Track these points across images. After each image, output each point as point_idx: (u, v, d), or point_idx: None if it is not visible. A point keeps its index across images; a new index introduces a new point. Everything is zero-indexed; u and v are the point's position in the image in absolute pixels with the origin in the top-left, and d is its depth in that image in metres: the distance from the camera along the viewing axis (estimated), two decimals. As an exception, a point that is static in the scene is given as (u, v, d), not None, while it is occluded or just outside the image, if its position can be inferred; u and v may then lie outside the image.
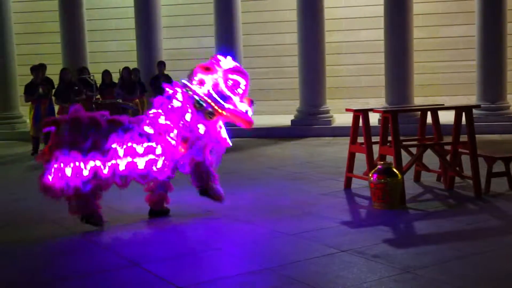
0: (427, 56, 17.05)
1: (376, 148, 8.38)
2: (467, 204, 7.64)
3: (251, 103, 7.47)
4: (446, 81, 17.21)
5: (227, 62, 7.44)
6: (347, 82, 17.64)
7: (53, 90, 13.59)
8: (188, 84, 7.34)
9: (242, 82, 7.39)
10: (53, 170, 6.75)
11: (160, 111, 7.29)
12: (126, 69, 14.40)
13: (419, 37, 16.32)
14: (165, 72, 14.62)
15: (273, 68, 18.03)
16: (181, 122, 7.20)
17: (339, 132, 14.32)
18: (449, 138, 8.61)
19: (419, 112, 9.28)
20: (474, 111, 9.35)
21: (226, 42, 15.43)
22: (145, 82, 14.84)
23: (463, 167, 8.74)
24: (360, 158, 8.86)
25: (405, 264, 5.48)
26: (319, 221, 7.06)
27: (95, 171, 6.84)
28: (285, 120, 15.80)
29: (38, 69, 13.60)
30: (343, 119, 14.41)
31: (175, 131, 7.17)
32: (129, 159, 6.97)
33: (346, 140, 9.21)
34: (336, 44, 17.30)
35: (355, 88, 17.63)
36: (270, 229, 6.78)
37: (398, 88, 14.77)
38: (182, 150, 7.23)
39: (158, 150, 7.10)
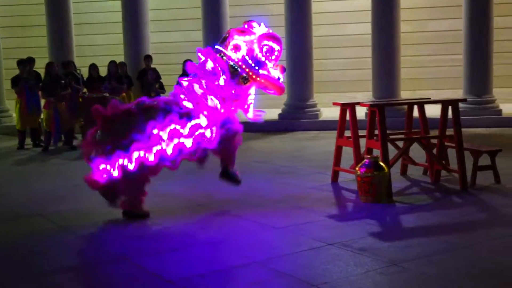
0: (414, 50, 17.11)
1: (363, 142, 8.42)
2: (453, 198, 7.70)
3: (283, 70, 7.43)
4: (433, 75, 17.28)
5: (261, 28, 7.35)
6: (335, 76, 17.68)
7: (40, 84, 13.54)
8: (223, 49, 7.26)
9: (276, 48, 7.31)
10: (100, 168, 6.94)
11: (191, 77, 7.27)
12: (112, 63, 14.35)
13: (407, 31, 16.38)
14: (152, 66, 14.58)
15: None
16: (215, 84, 7.14)
17: (326, 126, 14.36)
18: (435, 132, 8.67)
19: (406, 106, 9.33)
20: (461, 105, 9.41)
21: (214, 36, 15.39)
22: (132, 76, 14.79)
23: (449, 160, 8.81)
24: (347, 152, 8.90)
25: (391, 257, 5.52)
26: (306, 214, 7.09)
27: (140, 162, 6.88)
28: (272, 114, 15.78)
29: (25, 63, 13.55)
30: (330, 113, 14.45)
31: (212, 97, 7.12)
32: (175, 141, 6.98)
33: (333, 133, 9.24)
34: (324, 38, 17.31)
35: (343, 82, 17.68)
36: (258, 222, 6.81)
37: (385, 82, 14.82)
38: (222, 110, 7.20)
39: (203, 122, 7.08)
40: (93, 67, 14.20)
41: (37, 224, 7.14)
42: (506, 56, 16.58)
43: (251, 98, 7.45)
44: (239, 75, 7.17)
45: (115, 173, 6.91)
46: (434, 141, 8.65)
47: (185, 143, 7.02)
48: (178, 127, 6.97)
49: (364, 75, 16.53)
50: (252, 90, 7.40)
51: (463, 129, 8.37)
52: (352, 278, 5.07)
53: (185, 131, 6.99)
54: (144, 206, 7.16)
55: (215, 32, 15.37)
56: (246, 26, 7.35)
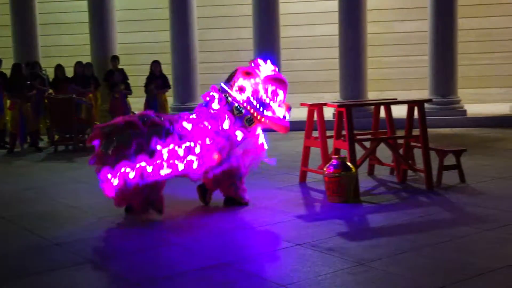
0: (381, 51, 17.27)
1: (330, 142, 8.47)
2: (419, 197, 7.79)
3: (288, 109, 7.46)
4: (399, 76, 17.46)
5: (267, 67, 7.42)
6: (303, 77, 17.74)
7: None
8: (228, 89, 7.31)
9: (281, 91, 7.36)
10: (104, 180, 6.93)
11: (199, 118, 7.25)
12: (79, 63, 14.20)
13: (373, 32, 16.52)
14: (120, 67, 14.47)
15: (229, 62, 17.97)
16: (219, 129, 7.17)
17: (294, 126, 14.33)
18: (402, 132, 8.76)
19: (373, 107, 9.40)
20: (426, 105, 9.51)
21: (182, 37, 15.37)
22: (99, 77, 14.65)
23: (415, 160, 8.90)
24: (315, 152, 8.95)
25: (359, 256, 5.56)
26: (274, 215, 7.11)
27: (141, 172, 6.82)
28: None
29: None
30: (298, 114, 14.47)
31: (211, 138, 7.13)
32: (170, 161, 6.95)
33: (301, 134, 9.28)
34: (292, 39, 17.38)
35: (311, 83, 17.76)
36: (226, 223, 6.81)
37: (352, 82, 14.92)
38: (216, 157, 7.18)
39: (197, 149, 7.05)
40: (59, 68, 14.05)
41: (3, 228, 7.03)
42: (471, 57, 16.83)
43: (261, 138, 7.48)
44: (243, 117, 7.23)
45: (115, 182, 6.85)
46: (401, 141, 8.73)
47: (178, 166, 7.00)
48: (176, 147, 6.97)
49: (332, 76, 16.62)
50: (260, 130, 7.43)
51: (429, 129, 8.47)
52: (320, 278, 5.09)
53: (181, 152, 6.98)
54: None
55: (182, 33, 15.35)
56: (252, 65, 7.42)
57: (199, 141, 7.07)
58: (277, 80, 7.34)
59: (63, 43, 18.35)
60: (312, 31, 17.67)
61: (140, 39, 18.13)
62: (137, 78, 14.96)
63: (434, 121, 13.67)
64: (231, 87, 7.32)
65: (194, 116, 7.26)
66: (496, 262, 5.22)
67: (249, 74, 7.29)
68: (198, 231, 6.61)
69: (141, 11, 18.25)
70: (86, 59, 15.21)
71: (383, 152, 9.23)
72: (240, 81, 7.29)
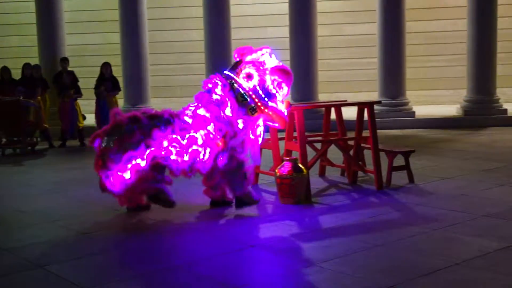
0: (331, 53, 17.44)
1: (282, 144, 8.50)
2: (369, 198, 7.89)
3: (288, 105, 7.41)
4: (349, 78, 17.67)
5: (268, 59, 7.29)
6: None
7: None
8: (234, 76, 7.18)
9: (285, 85, 7.29)
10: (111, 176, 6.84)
11: (199, 104, 7.18)
12: (27, 65, 13.92)
13: (324, 35, 16.67)
14: (69, 69, 14.24)
15: (180, 64, 17.95)
16: (220, 114, 7.07)
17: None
18: (352, 134, 8.85)
19: (324, 109, 9.48)
20: (376, 107, 9.67)
21: (132, 38, 15.22)
22: (48, 79, 14.39)
23: (365, 161, 9.01)
24: (267, 154, 8.97)
25: (311, 257, 5.61)
26: (226, 217, 7.10)
27: (153, 156, 6.81)
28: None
29: None
30: (251, 116, 14.50)
31: (212, 125, 7.05)
32: (173, 151, 6.90)
33: (253, 136, 9.28)
34: (243, 41, 17.35)
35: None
36: (180, 226, 6.77)
37: (303, 84, 15.00)
38: (220, 144, 7.09)
39: (200, 140, 6.98)
40: (4, 70, 13.73)
41: None
42: (418, 59, 17.14)
43: (260, 130, 7.38)
44: (247, 105, 7.13)
45: (127, 175, 6.79)
46: (351, 142, 8.83)
47: (183, 155, 6.95)
48: (178, 137, 6.92)
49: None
50: (261, 122, 7.33)
51: (378, 131, 8.58)
52: (272, 279, 5.11)
53: (184, 142, 6.92)
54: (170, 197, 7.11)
55: (133, 35, 15.20)
56: (260, 54, 7.30)
57: (201, 131, 6.99)
58: (284, 72, 7.25)
59: (10, 44, 17.98)
60: (263, 33, 17.71)
61: (89, 40, 17.89)
62: (87, 80, 14.77)
63: (383, 123, 13.89)
64: (237, 74, 7.22)
65: (193, 106, 7.19)
66: (444, 261, 5.33)
67: (257, 62, 7.17)
68: (149, 234, 6.56)
69: (90, 12, 18.01)
70: (34, 60, 14.92)
71: (334, 153, 9.32)
72: (248, 69, 7.17)
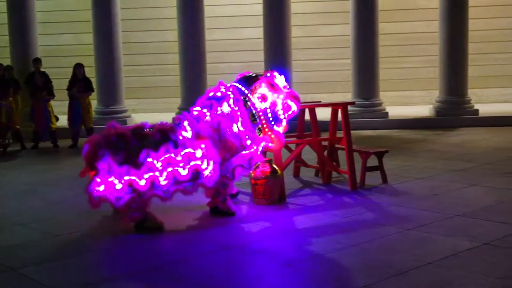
0: (305, 54, 17.48)
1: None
2: (343, 198, 7.92)
3: (286, 129, 7.44)
4: (323, 79, 17.73)
5: (281, 80, 7.36)
6: (229, 80, 17.72)
7: None
8: (249, 94, 7.15)
9: (293, 108, 7.34)
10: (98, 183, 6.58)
11: (206, 111, 7.02)
12: (-2, 66, 13.74)
13: (298, 36, 16.70)
14: (42, 70, 14.09)
15: (155, 65, 17.87)
16: (228, 129, 6.95)
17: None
18: (326, 134, 8.89)
19: (298, 109, 9.49)
20: (350, 108, 9.72)
21: (105, 39, 15.11)
22: (20, 80, 14.23)
23: (339, 162, 9.05)
24: (242, 155, 8.95)
25: (286, 258, 5.61)
26: (202, 218, 7.09)
27: (129, 184, 6.53)
28: (167, 118, 15.66)
29: None
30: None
31: (216, 135, 6.90)
32: (169, 169, 6.65)
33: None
34: (218, 42, 17.38)
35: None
36: (152, 231, 6.72)
37: (278, 85, 15.00)
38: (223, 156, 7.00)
39: (198, 153, 6.77)
40: (-24, 71, 13.55)
41: None
42: (392, 60, 17.26)
43: (259, 149, 7.30)
44: (256, 125, 7.15)
45: (118, 186, 6.57)
46: (325, 143, 8.86)
47: (179, 171, 6.70)
48: (172, 155, 6.69)
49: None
50: (263, 144, 7.30)
51: (352, 132, 8.63)
52: (248, 280, 5.11)
53: (178, 158, 6.70)
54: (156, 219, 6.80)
55: (106, 35, 15.10)
56: (268, 74, 7.33)
57: (202, 145, 6.80)
58: (294, 97, 7.36)
59: (-18, 45, 17.74)
60: (238, 34, 17.71)
61: (62, 41, 17.73)
62: (60, 81, 14.62)
63: (357, 123, 13.97)
64: (251, 92, 7.20)
65: (196, 111, 7.04)
66: (418, 261, 5.36)
67: (273, 86, 7.22)
68: (123, 236, 6.51)
69: (62, 12, 17.85)
70: (6, 61, 14.75)
71: (308, 154, 9.34)
72: (263, 90, 7.19)
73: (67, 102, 13.67)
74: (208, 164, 6.80)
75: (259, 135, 7.21)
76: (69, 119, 13.46)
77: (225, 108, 7.04)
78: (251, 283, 5.06)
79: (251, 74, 7.46)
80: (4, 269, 5.55)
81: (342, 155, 8.87)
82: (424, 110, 16.04)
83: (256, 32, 16.90)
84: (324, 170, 8.76)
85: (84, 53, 16.46)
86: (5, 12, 15.79)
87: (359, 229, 6.47)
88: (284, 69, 14.96)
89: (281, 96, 7.25)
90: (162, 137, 6.77)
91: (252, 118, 7.16)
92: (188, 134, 6.85)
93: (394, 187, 8.39)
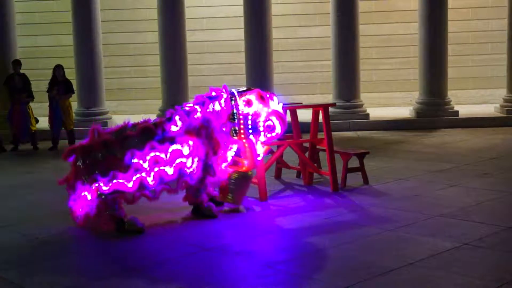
0: (286, 56, 17.50)
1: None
2: (325, 199, 7.94)
3: (268, 152, 7.47)
4: (304, 80, 17.76)
5: (274, 103, 7.41)
6: (210, 81, 17.70)
7: None
8: (237, 95, 7.26)
9: (277, 130, 7.37)
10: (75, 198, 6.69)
11: (197, 107, 7.05)
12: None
13: (279, 37, 16.72)
14: (21, 71, 13.96)
15: (135, 67, 17.79)
16: (216, 126, 7.06)
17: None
18: (307, 136, 8.90)
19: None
20: (331, 109, 9.75)
21: (85, 40, 15.02)
22: (-1, 82, 14.11)
23: (320, 163, 9.08)
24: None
25: (266, 259, 5.61)
26: (178, 219, 7.07)
27: (115, 188, 6.52)
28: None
29: None
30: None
31: (204, 132, 6.95)
32: (156, 169, 6.64)
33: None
34: (198, 43, 17.35)
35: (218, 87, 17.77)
36: (132, 234, 6.69)
37: (258, 87, 14.85)
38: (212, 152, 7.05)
39: (185, 151, 6.78)
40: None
41: None
42: (371, 62, 17.34)
43: (230, 154, 7.31)
44: (232, 126, 7.21)
45: (89, 197, 6.58)
46: (307, 144, 8.88)
47: (166, 171, 6.70)
48: (158, 153, 6.66)
49: (239, 81, 16.68)
50: (235, 147, 7.30)
51: (333, 133, 8.66)
52: (229, 282, 5.10)
53: (166, 157, 6.69)
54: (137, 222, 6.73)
55: (86, 37, 15.01)
56: (268, 95, 7.42)
57: (190, 141, 6.83)
58: (280, 118, 7.38)
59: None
60: (218, 35, 17.70)
61: (41, 42, 17.59)
62: (39, 83, 14.51)
63: (338, 125, 14.01)
64: (241, 95, 7.33)
65: (188, 107, 7.08)
66: (398, 261, 5.39)
67: (262, 98, 7.33)
68: (102, 238, 6.48)
69: (42, 14, 17.70)
70: (-16, 63, 14.60)
71: (290, 155, 9.35)
72: (251, 97, 7.32)
73: (46, 104, 13.55)
74: (192, 162, 6.85)
75: (233, 136, 7.27)
76: (50, 122, 13.34)
77: (217, 106, 7.17)
78: (231, 285, 5.05)
79: (250, 87, 7.68)
80: (-17, 273, 5.50)
81: (323, 157, 8.90)
82: (405, 111, 16.14)
83: (236, 34, 16.89)
84: (306, 171, 8.77)
85: (63, 55, 16.33)
86: (-17, 13, 15.62)
87: (340, 230, 6.49)
88: (264, 71, 15.03)
89: (266, 109, 7.32)
90: (146, 135, 6.75)
91: (231, 118, 7.24)
92: (177, 128, 6.87)
93: (375, 188, 8.43)
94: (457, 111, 15.22)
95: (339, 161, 8.60)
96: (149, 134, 6.77)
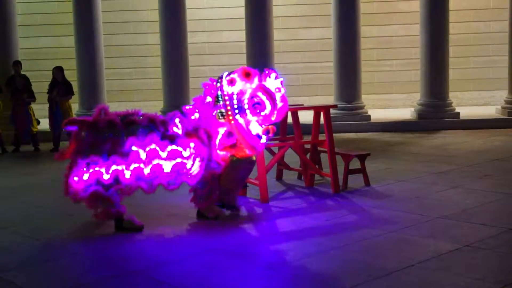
0: (287, 57, 17.51)
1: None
2: (326, 201, 7.94)
3: (266, 131, 6.96)
4: (305, 82, 17.77)
5: (274, 82, 6.97)
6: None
7: None
8: (224, 77, 6.93)
9: (268, 107, 6.86)
10: (75, 173, 6.59)
11: (194, 107, 7.00)
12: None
13: (280, 39, 16.74)
14: (22, 72, 13.98)
15: (136, 68, 17.81)
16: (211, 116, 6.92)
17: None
18: (309, 137, 8.91)
19: (280, 112, 9.49)
20: (332, 111, 9.70)
21: (86, 42, 15.04)
22: (0, 83, 14.11)
23: (322, 165, 9.08)
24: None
25: (268, 261, 5.62)
26: (181, 221, 7.07)
27: (116, 175, 6.54)
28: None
29: None
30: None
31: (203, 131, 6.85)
32: (154, 162, 6.62)
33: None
34: (200, 44, 17.37)
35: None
36: (126, 232, 6.69)
37: (260, 88, 15.01)
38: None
39: (185, 153, 6.72)
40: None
41: None
42: (372, 64, 17.35)
43: (218, 138, 7.01)
44: (218, 108, 6.94)
45: (85, 177, 6.56)
46: (308, 146, 8.89)
47: (162, 166, 6.67)
48: (157, 148, 6.64)
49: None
50: (222, 130, 6.99)
51: (334, 134, 8.66)
52: (230, 284, 5.10)
53: (164, 154, 6.66)
54: (135, 220, 6.80)
55: (87, 38, 15.03)
56: (267, 72, 7.02)
57: (191, 143, 6.75)
58: (266, 93, 6.89)
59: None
60: (219, 37, 17.72)
61: (42, 44, 17.61)
62: (41, 84, 14.52)
63: (339, 126, 14.01)
64: (228, 76, 6.97)
65: (188, 108, 7.03)
66: (400, 262, 5.39)
67: (248, 75, 6.89)
68: (103, 240, 6.48)
69: (43, 15, 17.73)
70: (-14, 64, 14.63)
71: (291, 157, 9.36)
72: (235, 75, 6.92)
73: (47, 106, 13.57)
74: (193, 164, 6.80)
75: (220, 119, 7.00)
76: (50, 123, 13.35)
77: (208, 99, 7.04)
78: (233, 286, 5.05)
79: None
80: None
81: (324, 158, 8.90)
82: (406, 113, 16.14)
83: (237, 35, 16.91)
84: (307, 173, 8.78)
85: (64, 56, 16.37)
86: (-16, 14, 15.66)
87: (342, 231, 6.49)
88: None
89: (249, 86, 6.88)
90: (150, 126, 6.75)
91: (217, 100, 6.98)
92: (179, 131, 6.84)
93: (376, 189, 8.43)
94: (459, 113, 15.22)
95: (340, 163, 8.60)
96: (154, 127, 6.76)
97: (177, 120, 6.90)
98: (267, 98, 6.86)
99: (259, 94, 6.86)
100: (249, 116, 6.89)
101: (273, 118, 7.02)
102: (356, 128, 14.78)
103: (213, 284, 5.09)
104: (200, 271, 5.40)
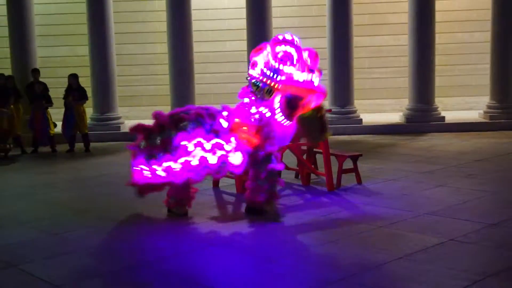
0: (285, 65, 17.46)
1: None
2: (321, 198, 7.94)
3: (311, 71, 6.70)
4: (302, 88, 17.72)
5: (289, 38, 6.87)
6: (214, 89, 17.77)
7: None
8: (249, 71, 6.83)
9: (293, 51, 6.64)
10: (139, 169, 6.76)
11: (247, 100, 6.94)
12: (0, 76, 13.61)
13: (278, 49, 16.71)
14: (40, 79, 13.98)
15: (145, 75, 17.80)
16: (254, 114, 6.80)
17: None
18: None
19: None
20: (327, 114, 9.71)
21: (100, 51, 15.05)
22: (21, 89, 14.13)
23: (317, 165, 9.08)
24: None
25: (268, 254, 5.62)
26: (189, 217, 7.07)
27: (167, 170, 6.64)
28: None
29: None
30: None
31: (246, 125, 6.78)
32: (200, 153, 6.60)
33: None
34: (204, 53, 17.37)
35: (222, 95, 17.77)
36: (146, 225, 6.70)
37: (260, 94, 15.02)
38: (255, 140, 6.76)
39: (228, 147, 6.64)
40: (-21, 81, 13.39)
41: None
42: (364, 71, 17.33)
43: (278, 116, 6.83)
44: (262, 90, 6.73)
45: (162, 173, 6.67)
46: (304, 147, 8.89)
47: (207, 159, 6.62)
48: (203, 140, 6.60)
49: (241, 88, 16.70)
50: (276, 100, 6.75)
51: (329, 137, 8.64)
52: (233, 276, 5.11)
53: (207, 146, 6.60)
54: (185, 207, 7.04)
55: (101, 47, 15.04)
56: (281, 38, 6.88)
57: (232, 138, 6.67)
58: (283, 41, 6.68)
59: (-17, 56, 17.56)
60: (222, 46, 17.72)
61: (59, 53, 17.61)
62: (57, 90, 14.51)
63: (333, 129, 13.91)
64: (249, 68, 6.93)
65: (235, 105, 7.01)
66: (389, 255, 5.40)
67: (258, 49, 6.84)
68: (111, 234, 6.49)
69: (59, 26, 17.73)
70: (8, 72, 14.63)
71: (289, 158, 9.35)
72: (252, 59, 6.86)
73: (63, 110, 13.57)
74: (235, 154, 6.71)
75: (270, 96, 6.74)
76: (63, 126, 13.35)
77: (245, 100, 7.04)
78: (236, 278, 5.06)
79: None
80: (5, 266, 5.52)
81: (319, 159, 8.90)
82: (395, 117, 16.13)
83: (239, 45, 16.91)
84: (303, 172, 8.78)
85: (79, 64, 16.37)
86: (6, 26, 15.68)
87: (336, 226, 6.49)
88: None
89: (268, 50, 6.75)
90: (198, 121, 6.69)
91: (255, 87, 6.79)
92: (224, 123, 6.78)
93: (368, 187, 8.43)
94: (444, 117, 15.21)
95: (334, 163, 8.60)
96: (200, 121, 6.70)
97: (225, 113, 6.85)
98: (285, 45, 6.72)
99: (276, 47, 6.75)
100: (287, 69, 6.69)
101: (305, 56, 6.82)
102: (349, 131, 14.77)
103: (218, 276, 5.09)
104: (205, 264, 5.41)
